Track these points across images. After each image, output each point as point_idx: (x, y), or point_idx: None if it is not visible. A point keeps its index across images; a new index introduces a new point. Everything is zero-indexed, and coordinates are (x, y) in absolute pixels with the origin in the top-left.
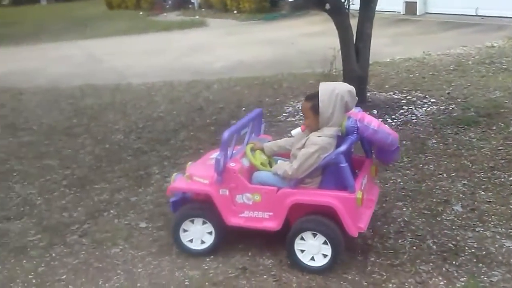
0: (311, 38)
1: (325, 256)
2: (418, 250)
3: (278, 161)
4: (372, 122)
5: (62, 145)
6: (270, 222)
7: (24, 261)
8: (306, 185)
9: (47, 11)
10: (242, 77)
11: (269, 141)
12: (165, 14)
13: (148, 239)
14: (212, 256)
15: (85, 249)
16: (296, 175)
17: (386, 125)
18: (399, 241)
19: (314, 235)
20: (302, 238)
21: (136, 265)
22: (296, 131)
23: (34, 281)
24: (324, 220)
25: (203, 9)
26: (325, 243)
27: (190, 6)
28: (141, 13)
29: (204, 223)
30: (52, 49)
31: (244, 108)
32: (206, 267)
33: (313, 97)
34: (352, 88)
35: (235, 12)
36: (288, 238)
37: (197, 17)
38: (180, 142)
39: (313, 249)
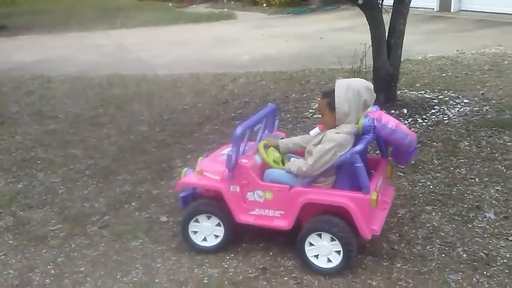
0: (340, 33)
1: (336, 257)
2: (447, 258)
3: (292, 159)
4: (389, 122)
5: (87, 135)
6: (281, 220)
7: (44, 250)
8: (320, 184)
9: (79, 0)
10: (269, 71)
11: (282, 138)
12: (194, 6)
13: (168, 234)
14: (232, 254)
15: (105, 241)
16: (311, 172)
17: (404, 125)
18: (428, 247)
19: (320, 236)
20: (311, 242)
21: (155, 259)
22: (314, 131)
23: (52, 271)
24: (337, 221)
25: (232, 2)
26: (336, 244)
27: None
28: (170, 4)
29: (213, 219)
30: (82, 38)
31: (270, 103)
32: (225, 266)
33: (329, 94)
34: (369, 84)
35: (264, 5)
36: (299, 238)
37: (226, 9)
38: (204, 135)
39: (324, 250)
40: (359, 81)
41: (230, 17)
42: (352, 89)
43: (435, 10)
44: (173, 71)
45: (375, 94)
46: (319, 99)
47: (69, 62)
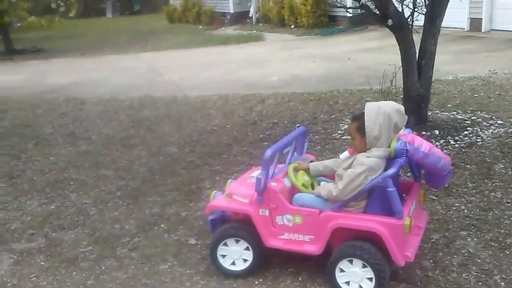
0: (368, 54)
1: (367, 284)
2: (484, 287)
3: (322, 182)
4: (422, 145)
5: (118, 156)
6: (310, 245)
7: (74, 272)
8: (350, 208)
9: (112, 24)
10: (297, 92)
11: (312, 161)
12: (223, 28)
13: (197, 257)
14: (261, 279)
15: (134, 264)
16: (341, 197)
17: (438, 148)
18: (463, 275)
19: (352, 262)
20: (342, 269)
21: (183, 283)
22: (344, 155)
23: None
24: (369, 246)
25: (260, 24)
26: (368, 270)
27: (248, 20)
28: (200, 27)
29: (242, 243)
30: (115, 60)
31: (298, 124)
32: None
33: (359, 117)
34: (400, 107)
35: (292, 27)
36: (329, 264)
37: (255, 31)
38: (232, 156)
39: (355, 277)
40: (389, 104)
41: (258, 39)
42: (383, 112)
43: (465, 30)
44: (202, 92)
45: (406, 117)
46: (348, 120)
47: (102, 85)
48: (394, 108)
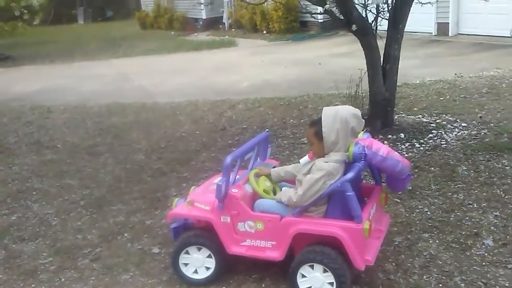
0: (338, 59)
1: None
2: None
3: (283, 188)
4: (380, 149)
5: (83, 164)
6: (273, 251)
7: (33, 285)
8: (311, 213)
9: (83, 30)
10: (267, 97)
11: (275, 166)
12: (196, 34)
13: (160, 266)
14: (224, 287)
15: (95, 275)
16: (301, 202)
17: (396, 152)
18: (424, 277)
19: (313, 267)
20: (304, 274)
21: None
22: (304, 160)
23: None
24: (329, 251)
25: (233, 29)
26: (329, 275)
27: (220, 26)
28: (172, 33)
29: (204, 251)
30: (85, 67)
31: (267, 129)
32: None
33: (316, 123)
34: (356, 111)
35: (264, 32)
36: (290, 269)
37: (227, 37)
38: (200, 163)
39: (317, 282)
40: (346, 109)
41: (231, 44)
42: (340, 117)
43: (433, 34)
44: (173, 98)
45: (363, 121)
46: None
47: (70, 92)
48: (350, 112)
